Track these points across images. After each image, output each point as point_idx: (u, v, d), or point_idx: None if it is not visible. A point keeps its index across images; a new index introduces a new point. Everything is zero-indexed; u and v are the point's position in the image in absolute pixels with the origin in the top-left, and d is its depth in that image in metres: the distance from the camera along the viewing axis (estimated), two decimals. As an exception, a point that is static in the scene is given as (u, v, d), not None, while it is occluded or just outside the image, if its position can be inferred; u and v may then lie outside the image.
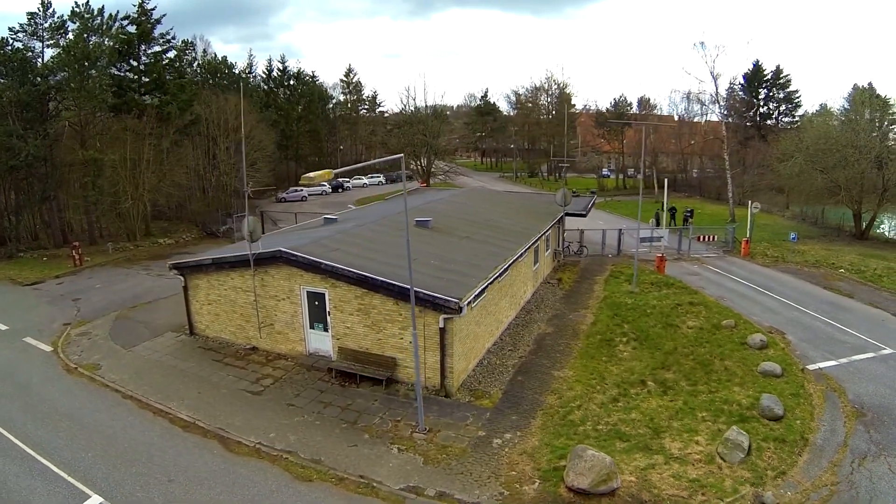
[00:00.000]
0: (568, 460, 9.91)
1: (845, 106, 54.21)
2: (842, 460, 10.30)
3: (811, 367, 14.23)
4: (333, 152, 63.18)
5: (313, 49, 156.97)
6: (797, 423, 11.54)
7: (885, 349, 14.97)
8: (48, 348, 15.98)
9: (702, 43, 54.40)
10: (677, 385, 13.41)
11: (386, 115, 72.50)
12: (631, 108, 66.34)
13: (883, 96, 37.09)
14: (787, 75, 55.09)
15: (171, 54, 35.33)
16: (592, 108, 72.80)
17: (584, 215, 27.98)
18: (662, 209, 31.88)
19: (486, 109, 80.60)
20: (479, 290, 13.66)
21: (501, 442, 11.11)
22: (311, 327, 14.84)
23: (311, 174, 7.91)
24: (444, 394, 13.10)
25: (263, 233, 31.76)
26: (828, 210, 34.49)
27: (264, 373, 14.27)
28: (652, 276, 23.45)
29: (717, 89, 42.87)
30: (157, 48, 34.36)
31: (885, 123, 34.07)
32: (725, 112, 64.86)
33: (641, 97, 68.42)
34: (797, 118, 54.72)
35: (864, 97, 32.95)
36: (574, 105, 69.75)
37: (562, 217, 26.68)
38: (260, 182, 34.92)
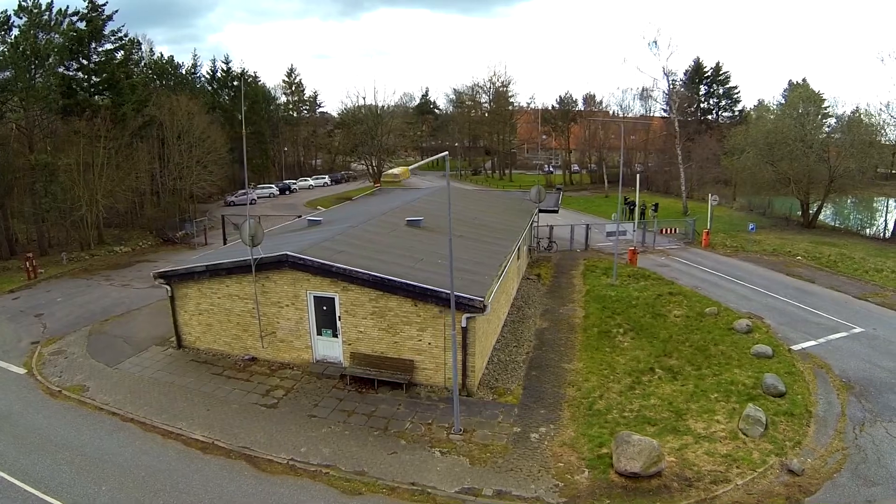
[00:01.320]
0: (613, 447, 10.48)
1: (781, 101, 59.97)
2: (844, 428, 11.59)
3: (795, 347, 15.75)
4: (277, 154, 62.70)
5: (243, 51, 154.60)
6: (798, 398, 12.81)
7: (854, 328, 16.86)
8: (21, 370, 14.67)
9: (655, 42, 57.57)
10: (683, 370, 14.43)
11: (326, 115, 72.86)
12: (576, 105, 69.42)
13: (817, 92, 41.56)
14: (726, 72, 59.91)
15: (122, 54, 34.03)
16: (535, 105, 75.77)
17: (556, 211, 29.22)
18: (635, 204, 33.78)
19: (426, 108, 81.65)
20: (496, 287, 14.02)
21: (539, 436, 11.51)
22: (319, 334, 14.49)
23: (395, 170, 7.87)
24: (465, 393, 13.29)
25: (224, 238, 30.58)
26: (775, 200, 38.06)
27: (272, 384, 13.80)
28: (627, 269, 24.81)
29: (669, 86, 45.80)
30: (109, 46, 32.95)
31: (819, 118, 38.22)
32: (668, 108, 69.57)
33: (586, 94, 71.83)
34: (737, 113, 59.71)
35: (807, 94, 36.68)
36: (512, 103, 72.31)
37: (536, 213, 27.67)
38: (214, 185, 33.79)
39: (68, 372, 14.46)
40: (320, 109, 71.82)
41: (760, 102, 60.75)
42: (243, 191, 47.20)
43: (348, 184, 62.52)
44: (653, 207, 33.36)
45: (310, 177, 62.23)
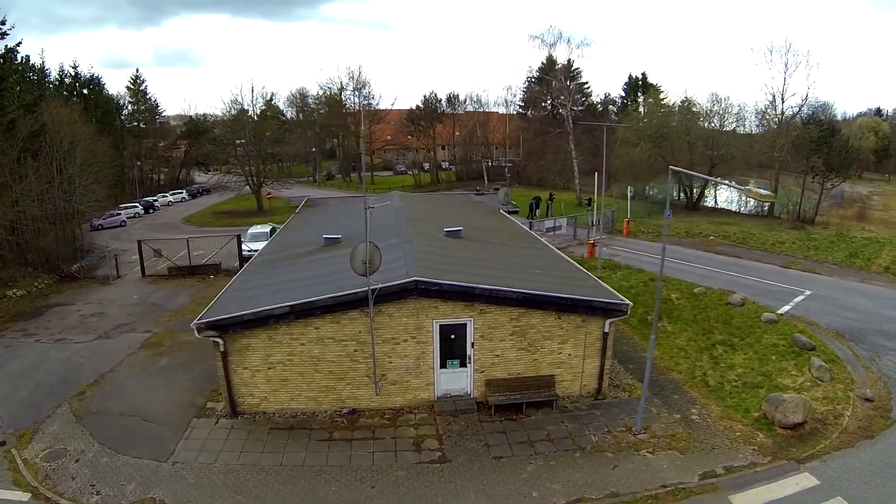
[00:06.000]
0: (768, 408, 14.02)
1: (621, 94, 73.44)
2: (867, 364, 17.27)
3: (779, 312, 21.85)
4: (130, 169, 59.37)
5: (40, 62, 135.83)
6: (822, 348, 18.36)
7: (805, 291, 23.92)
8: (20, 495, 11.88)
9: (552, 45, 64.61)
10: (734, 342, 18.97)
11: (167, 125, 72.99)
12: (441, 105, 74.92)
13: (655, 84, 53.28)
14: (577, 68, 70.86)
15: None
16: (387, 106, 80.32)
17: (517, 212, 32.60)
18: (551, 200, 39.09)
19: (272, 113, 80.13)
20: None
21: (697, 417, 14.49)
22: (443, 366, 14.99)
23: (763, 190, 9.64)
24: (601, 396, 15.59)
25: (142, 268, 26.91)
26: (655, 186, 47.94)
27: (409, 435, 13.86)
28: (592, 262, 29.51)
29: (568, 86, 53.06)
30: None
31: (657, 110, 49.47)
32: (522, 105, 79.07)
33: (450, 93, 78.10)
34: (587, 107, 71.30)
35: (659, 97, 47.13)
36: (345, 105, 75.86)
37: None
38: (101, 205, 29.51)
39: (102, 482, 12.08)
40: (159, 119, 69.07)
41: (607, 96, 73.79)
42: (111, 212, 43.19)
43: (206, 197, 62.22)
44: (586, 202, 39.29)
45: (167, 192, 61.24)
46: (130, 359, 18.95)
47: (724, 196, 61.62)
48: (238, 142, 50.22)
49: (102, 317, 23.10)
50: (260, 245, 29.54)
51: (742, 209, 45.73)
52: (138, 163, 61.36)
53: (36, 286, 27.15)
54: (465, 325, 14.72)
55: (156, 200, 57.22)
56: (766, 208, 40.24)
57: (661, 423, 14.25)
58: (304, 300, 14.22)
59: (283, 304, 14.19)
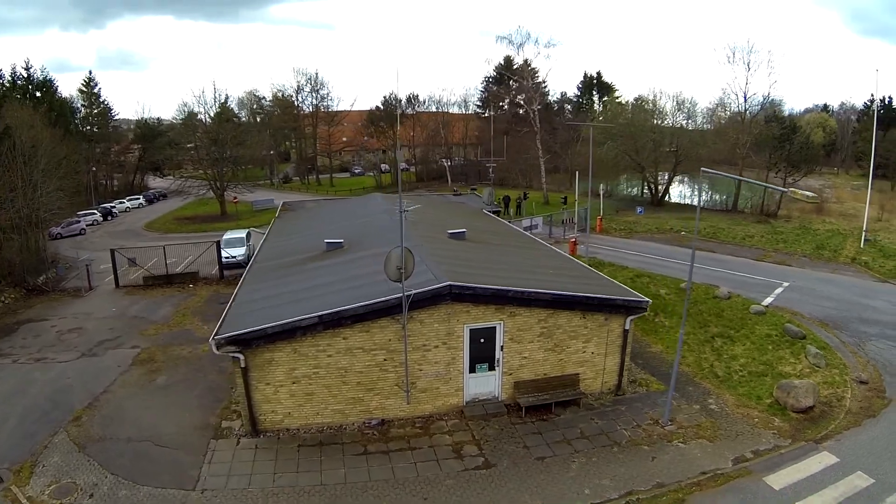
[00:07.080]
0: (780, 394, 15.18)
1: (577, 93, 75.72)
2: (854, 350, 18.85)
3: (764, 303, 23.40)
4: (85, 173, 56.80)
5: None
6: (812, 337, 19.84)
7: (784, 283, 25.67)
8: None
9: (521, 45, 65.47)
10: (731, 335, 20.20)
11: (119, 130, 72.56)
12: (402, 106, 75.04)
13: (609, 83, 55.39)
14: (534, 68, 72.38)
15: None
16: (342, 107, 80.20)
17: (499, 212, 33.25)
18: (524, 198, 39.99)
19: (227, 116, 78.31)
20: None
21: (715, 407, 15.44)
22: (472, 371, 15.23)
23: (807, 192, 10.31)
24: (621, 392, 16.30)
25: (115, 279, 26.14)
26: (619, 184, 49.91)
27: (444, 443, 14.02)
28: (579, 259, 30.47)
29: (530, 85, 54.12)
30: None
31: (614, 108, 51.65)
32: (480, 105, 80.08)
33: (410, 94, 78.36)
34: (542, 106, 73.17)
35: (614, 96, 49.23)
36: (299, 108, 76.48)
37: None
38: (64, 211, 28.11)
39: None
40: (112, 123, 68.80)
41: (563, 95, 75.92)
42: (69, 220, 41.20)
43: (164, 202, 62.78)
44: (562, 200, 40.40)
45: (125, 198, 60.97)
46: (124, 377, 18.13)
47: (678, 191, 65.01)
48: (198, 145, 49.05)
49: (82, 332, 21.96)
50: (237, 251, 28.93)
51: (704, 204, 48.43)
52: (93, 168, 59.56)
53: (2, 301, 25.52)
54: (495, 328, 15.03)
55: (114, 207, 56.27)
56: (729, 203, 42.96)
57: (683, 414, 15.09)
58: (334, 309, 13.98)
59: (311, 315, 13.93)
